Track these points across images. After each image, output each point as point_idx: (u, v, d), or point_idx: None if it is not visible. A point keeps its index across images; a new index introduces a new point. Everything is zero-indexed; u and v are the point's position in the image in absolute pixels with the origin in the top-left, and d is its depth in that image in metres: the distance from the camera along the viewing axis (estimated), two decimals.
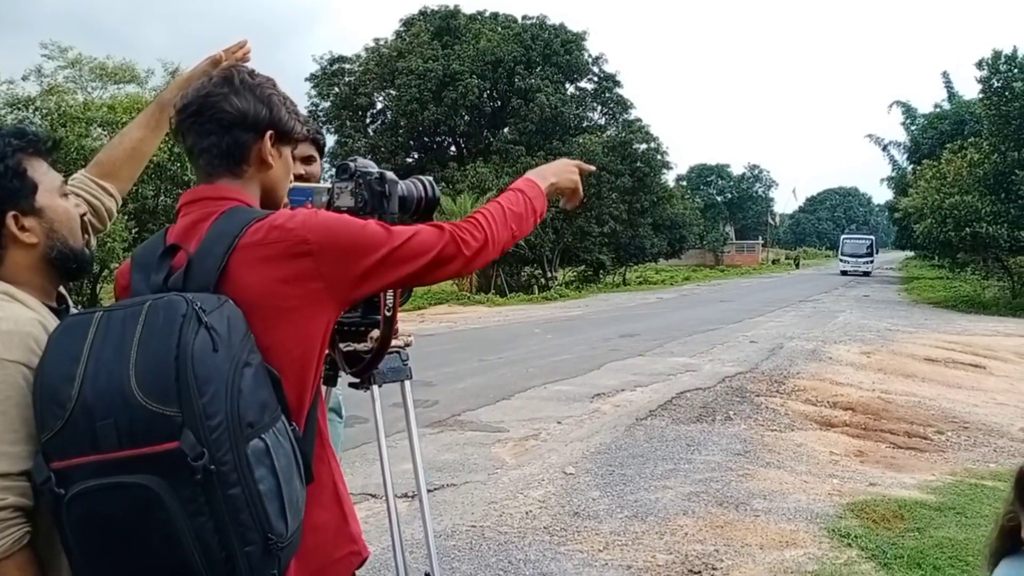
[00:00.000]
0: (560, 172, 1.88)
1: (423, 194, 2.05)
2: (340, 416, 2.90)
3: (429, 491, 5.26)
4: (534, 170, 1.86)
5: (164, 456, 1.18)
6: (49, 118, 15.81)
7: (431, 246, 1.50)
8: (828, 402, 8.68)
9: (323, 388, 2.17)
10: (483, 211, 1.63)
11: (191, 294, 1.28)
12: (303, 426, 1.44)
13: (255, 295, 1.37)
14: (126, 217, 15.65)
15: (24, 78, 16.36)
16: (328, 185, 2.01)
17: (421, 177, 2.12)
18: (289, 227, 1.40)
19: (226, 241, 1.39)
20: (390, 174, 1.96)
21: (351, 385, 2.26)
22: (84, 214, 1.63)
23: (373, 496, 5.15)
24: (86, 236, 1.61)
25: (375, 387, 2.22)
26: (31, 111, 16.18)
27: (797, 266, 60.97)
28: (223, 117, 1.47)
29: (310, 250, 1.39)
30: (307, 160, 2.55)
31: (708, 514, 5.02)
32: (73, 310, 1.61)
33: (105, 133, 16.31)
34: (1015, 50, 23.87)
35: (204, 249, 1.39)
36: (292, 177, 1.67)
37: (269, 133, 1.52)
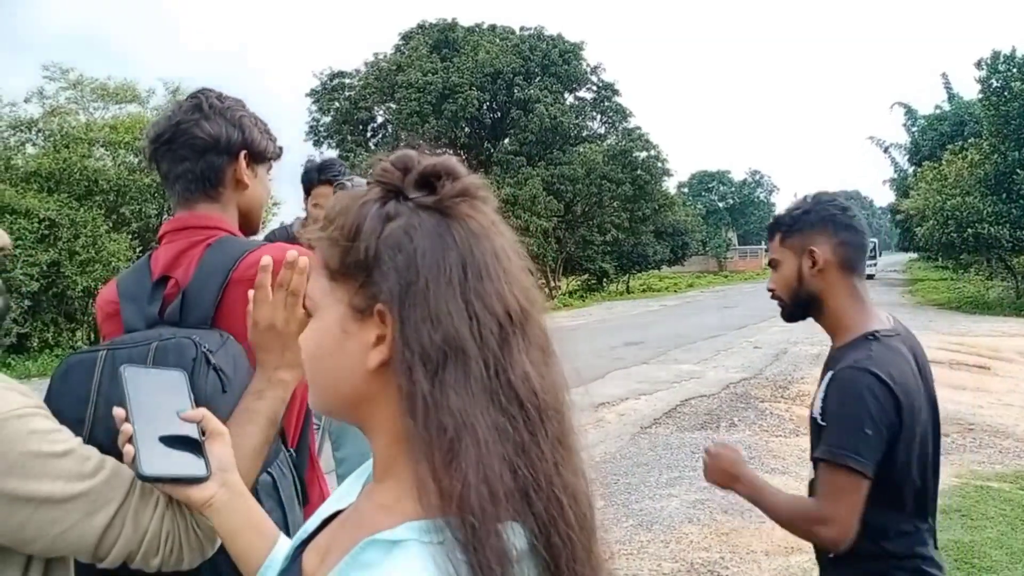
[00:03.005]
0: None
1: None
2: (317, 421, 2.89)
3: None
4: None
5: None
6: (52, 139, 15.90)
7: None
8: None
9: None
10: None
11: (197, 334, 1.29)
12: (296, 449, 1.46)
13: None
14: (129, 236, 15.71)
15: (27, 100, 16.41)
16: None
17: None
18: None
19: (221, 274, 1.40)
20: None
21: None
22: None
23: None
24: None
25: None
26: (34, 133, 16.28)
27: None
28: (195, 143, 1.49)
29: None
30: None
31: (713, 521, 5.03)
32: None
33: (108, 153, 16.38)
34: (1013, 50, 23.87)
35: (199, 281, 1.40)
36: (270, 198, 1.69)
37: (243, 154, 1.53)
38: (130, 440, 1.00)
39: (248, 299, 1.30)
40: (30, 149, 16.28)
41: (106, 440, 1.17)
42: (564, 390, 0.77)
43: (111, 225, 15.42)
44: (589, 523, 0.74)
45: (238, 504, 1.02)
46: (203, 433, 1.05)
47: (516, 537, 0.68)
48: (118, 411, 1.02)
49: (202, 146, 1.49)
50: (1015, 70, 23.32)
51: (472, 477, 0.66)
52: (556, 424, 0.74)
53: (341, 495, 0.90)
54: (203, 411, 1.07)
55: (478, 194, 0.76)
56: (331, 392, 0.78)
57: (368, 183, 0.78)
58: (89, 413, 1.21)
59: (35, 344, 14.40)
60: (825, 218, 1.83)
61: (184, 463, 1.00)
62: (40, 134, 16.23)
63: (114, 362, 1.24)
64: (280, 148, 1.66)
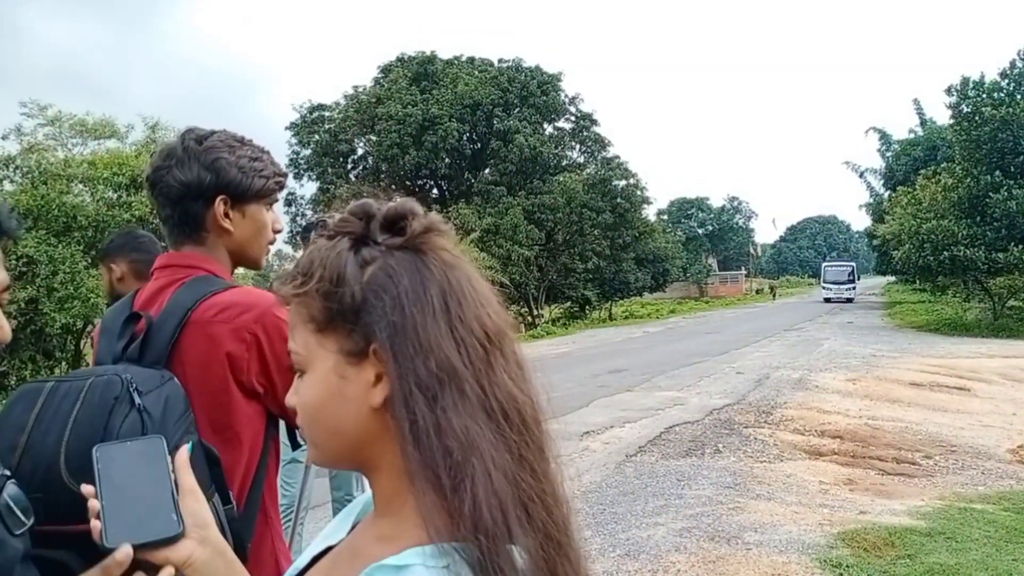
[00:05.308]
0: None
1: None
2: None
3: None
4: None
5: (83, 535, 1.12)
6: (29, 176, 15.80)
7: None
8: (816, 431, 8.71)
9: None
10: None
11: (131, 372, 1.28)
12: (243, 506, 1.42)
13: (202, 371, 1.39)
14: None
15: (4, 137, 16.32)
16: None
17: None
18: (242, 312, 1.42)
19: (179, 314, 1.41)
20: None
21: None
22: None
23: None
24: None
25: None
26: (11, 170, 16.17)
27: (775, 296, 58.82)
28: (169, 191, 1.50)
29: (248, 342, 1.42)
30: None
31: (700, 549, 5.02)
32: None
33: (86, 189, 16.29)
34: (982, 76, 24.43)
35: (161, 320, 1.41)
36: (271, 231, 1.63)
37: (221, 198, 1.51)
38: (98, 516, 0.97)
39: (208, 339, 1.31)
40: (7, 186, 16.15)
41: (29, 470, 1.16)
42: (540, 401, 0.81)
43: (90, 261, 15.30)
44: (571, 526, 0.78)
45: (218, 563, 0.98)
46: (177, 490, 1.00)
47: (518, 557, 0.71)
48: (87, 488, 0.99)
49: (176, 194, 1.50)
50: (984, 96, 23.81)
51: (482, 492, 0.70)
52: (538, 434, 0.79)
53: (329, 533, 0.91)
54: (179, 463, 1.02)
55: (442, 228, 0.81)
56: (336, 439, 0.80)
57: (329, 236, 0.82)
58: (22, 441, 1.19)
59: (13, 382, 14.20)
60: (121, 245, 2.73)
61: (152, 526, 0.95)
62: (18, 171, 16.12)
63: (56, 395, 1.24)
64: (277, 182, 1.61)
